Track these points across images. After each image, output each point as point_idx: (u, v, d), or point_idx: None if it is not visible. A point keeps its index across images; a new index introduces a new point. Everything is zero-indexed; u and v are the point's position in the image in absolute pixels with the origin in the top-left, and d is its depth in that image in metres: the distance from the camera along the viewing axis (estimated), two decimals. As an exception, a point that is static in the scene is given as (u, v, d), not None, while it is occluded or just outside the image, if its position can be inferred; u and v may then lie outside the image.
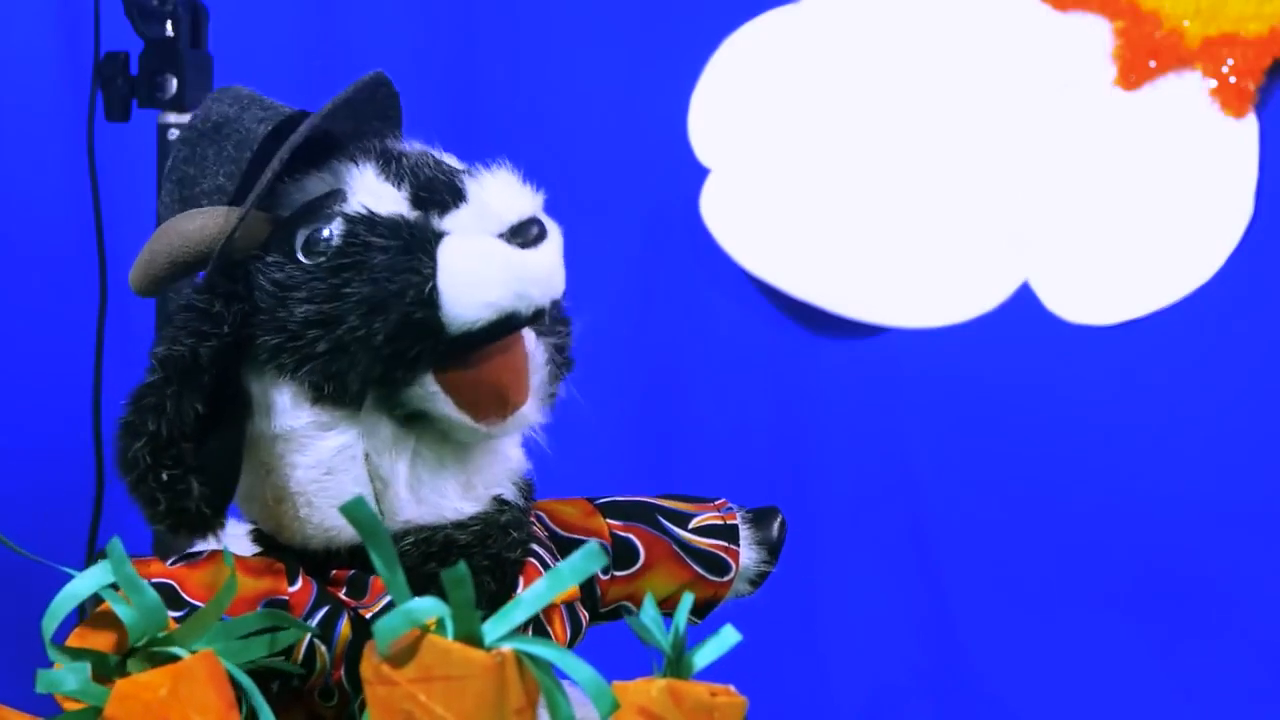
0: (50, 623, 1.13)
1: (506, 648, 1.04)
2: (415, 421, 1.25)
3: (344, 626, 1.24)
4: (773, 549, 1.44)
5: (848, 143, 2.38)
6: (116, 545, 1.15)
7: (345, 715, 1.25)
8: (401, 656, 1.04)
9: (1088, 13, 2.31)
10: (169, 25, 1.95)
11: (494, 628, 1.06)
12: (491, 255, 1.21)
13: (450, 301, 1.20)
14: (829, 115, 2.38)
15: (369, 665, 1.06)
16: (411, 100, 2.51)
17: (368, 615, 1.24)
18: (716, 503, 1.44)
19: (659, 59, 2.40)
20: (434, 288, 1.20)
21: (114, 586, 1.14)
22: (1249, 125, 2.27)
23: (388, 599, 1.23)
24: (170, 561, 1.24)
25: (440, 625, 1.06)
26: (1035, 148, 2.34)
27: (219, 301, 1.23)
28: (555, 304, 1.27)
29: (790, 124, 2.39)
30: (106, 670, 1.13)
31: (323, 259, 1.22)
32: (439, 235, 1.22)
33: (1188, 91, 2.29)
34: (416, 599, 1.05)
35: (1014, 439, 2.32)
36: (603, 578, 1.36)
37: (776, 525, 1.45)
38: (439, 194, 1.24)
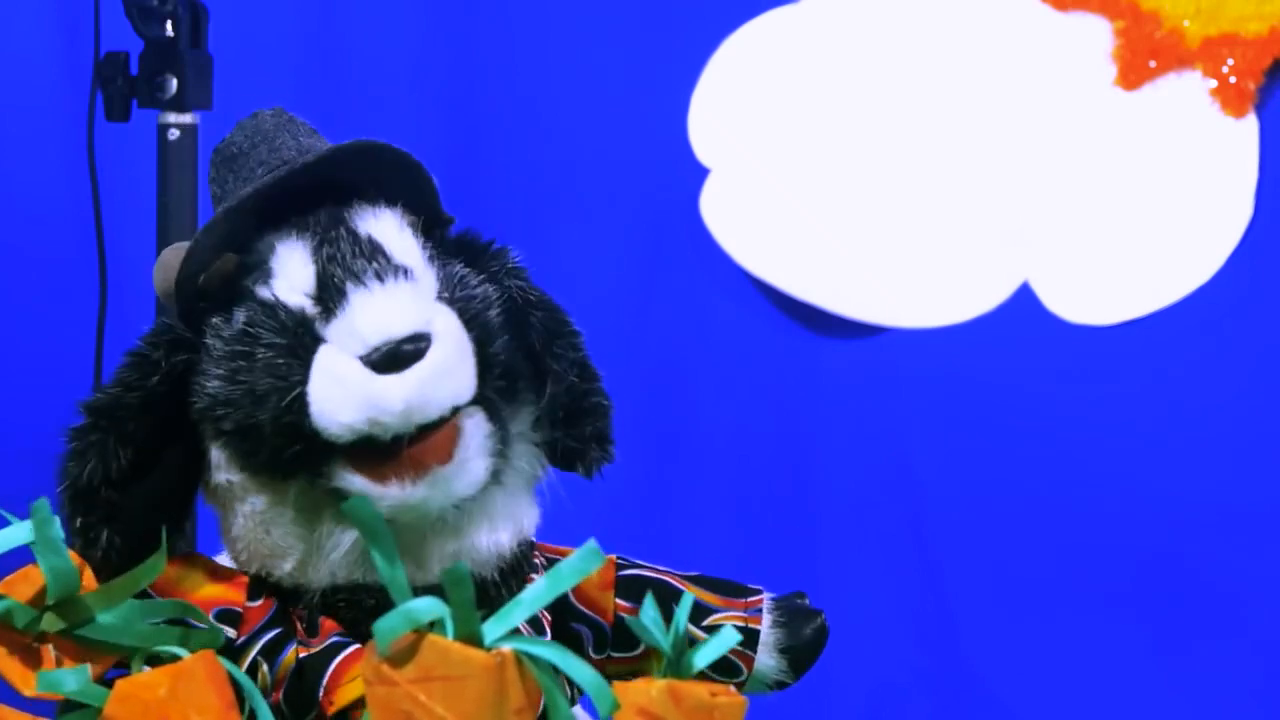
0: None
1: (506, 648, 1.04)
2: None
3: (290, 654, 1.25)
4: (797, 658, 1.40)
5: (848, 143, 2.38)
6: (44, 505, 1.17)
7: None
8: (401, 657, 1.04)
9: (1088, 13, 2.31)
10: (169, 25, 1.95)
11: (494, 628, 1.06)
12: (344, 379, 1.21)
13: (316, 413, 1.22)
14: (829, 115, 2.38)
15: (369, 665, 1.06)
16: (411, 100, 2.51)
17: (304, 654, 1.24)
18: (749, 600, 1.39)
19: (659, 59, 2.40)
20: (300, 395, 1.22)
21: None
22: (1249, 125, 2.27)
23: (330, 642, 1.24)
24: None
25: (440, 625, 1.05)
26: (1035, 147, 2.33)
27: (162, 349, 1.25)
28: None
29: (790, 124, 2.39)
30: (26, 619, 1.15)
31: (232, 336, 1.24)
32: (317, 341, 1.23)
33: (1188, 91, 2.28)
34: (416, 599, 1.05)
35: (1014, 439, 2.32)
36: (596, 656, 1.36)
37: (811, 628, 1.41)
38: (331, 297, 1.24)
